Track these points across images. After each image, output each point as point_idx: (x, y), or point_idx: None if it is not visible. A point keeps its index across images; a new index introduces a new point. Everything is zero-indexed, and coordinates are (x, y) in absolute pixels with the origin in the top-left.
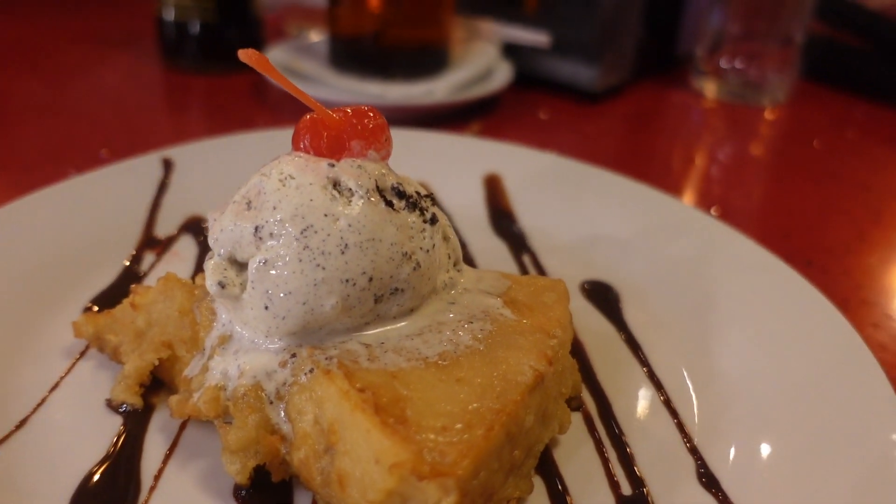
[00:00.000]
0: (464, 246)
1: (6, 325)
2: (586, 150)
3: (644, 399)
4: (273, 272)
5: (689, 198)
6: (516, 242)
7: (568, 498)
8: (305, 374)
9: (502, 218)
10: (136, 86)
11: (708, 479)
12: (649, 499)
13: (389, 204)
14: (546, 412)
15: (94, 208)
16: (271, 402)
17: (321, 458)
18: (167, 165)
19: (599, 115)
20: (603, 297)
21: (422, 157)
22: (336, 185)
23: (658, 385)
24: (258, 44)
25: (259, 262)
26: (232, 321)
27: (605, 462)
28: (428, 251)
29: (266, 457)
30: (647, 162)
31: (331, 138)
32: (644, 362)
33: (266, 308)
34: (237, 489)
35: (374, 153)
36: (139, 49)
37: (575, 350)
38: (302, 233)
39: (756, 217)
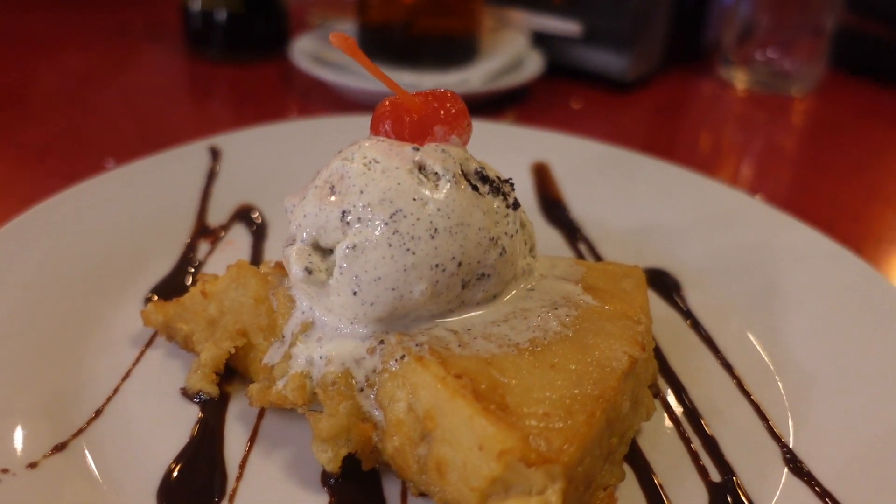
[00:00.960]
0: None
1: (70, 316)
2: (618, 138)
3: (720, 385)
4: (362, 257)
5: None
6: (570, 231)
7: (658, 484)
8: (396, 360)
9: (553, 206)
10: (164, 77)
11: (796, 466)
12: (740, 486)
13: (475, 188)
14: (637, 398)
15: (144, 198)
16: (361, 390)
17: (418, 446)
18: (214, 154)
19: (630, 104)
20: (663, 284)
21: (471, 145)
22: (422, 168)
23: (731, 372)
24: (284, 33)
25: (347, 248)
26: (313, 308)
27: (690, 449)
28: (512, 236)
29: (357, 445)
30: (679, 150)
31: (414, 123)
32: (714, 349)
33: (354, 294)
34: (325, 477)
35: (457, 138)
36: (165, 40)
37: None
38: (391, 217)
39: (797, 208)
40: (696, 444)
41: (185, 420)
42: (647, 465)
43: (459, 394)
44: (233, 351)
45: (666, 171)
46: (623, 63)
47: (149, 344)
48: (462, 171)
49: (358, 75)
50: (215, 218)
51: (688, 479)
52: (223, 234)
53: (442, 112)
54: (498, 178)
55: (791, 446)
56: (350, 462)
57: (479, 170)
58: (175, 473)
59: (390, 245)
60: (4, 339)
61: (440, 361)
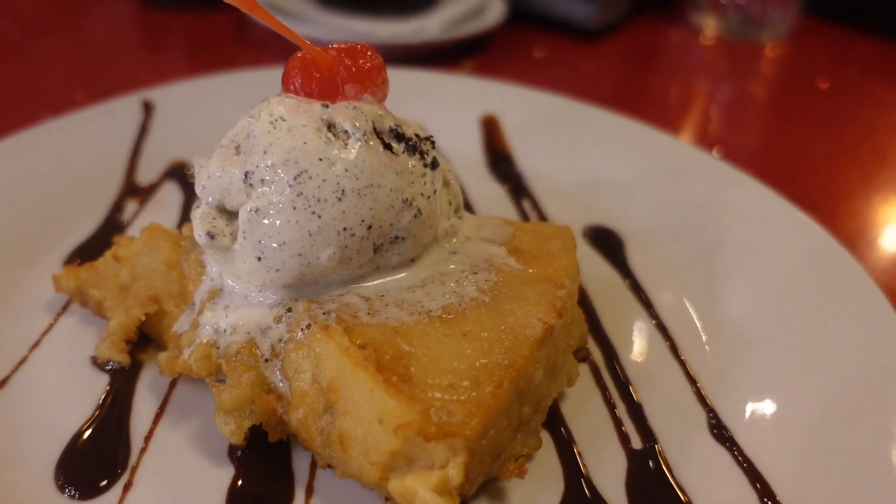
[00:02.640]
0: (463, 191)
1: None
2: (583, 89)
3: (653, 349)
4: (265, 221)
5: (688, 139)
6: (516, 186)
7: (577, 453)
8: (302, 329)
9: (500, 161)
10: (113, 26)
11: (720, 433)
12: (660, 453)
13: (388, 147)
14: (555, 365)
15: (70, 154)
16: (266, 360)
17: (321, 418)
18: (147, 108)
19: (596, 53)
20: (606, 242)
21: (415, 97)
22: (331, 127)
23: (666, 334)
24: None
25: (250, 211)
26: (222, 274)
27: (615, 415)
28: (429, 197)
29: (262, 416)
30: (646, 101)
31: (322, 80)
32: (651, 310)
33: (259, 259)
34: (232, 449)
35: (370, 96)
36: None
37: (580, 299)
38: (295, 178)
39: (759, 159)
40: (622, 410)
41: (93, 390)
42: (567, 433)
43: (361, 365)
44: (143, 318)
45: (619, 124)
46: (589, 10)
47: (64, 310)
48: (375, 128)
49: (312, 23)
50: (145, 176)
51: (608, 447)
52: (154, 193)
53: (354, 69)
54: (417, 135)
55: (717, 412)
56: (258, 434)
57: (394, 127)
58: (77, 445)
59: (294, 208)
60: None
61: (345, 330)
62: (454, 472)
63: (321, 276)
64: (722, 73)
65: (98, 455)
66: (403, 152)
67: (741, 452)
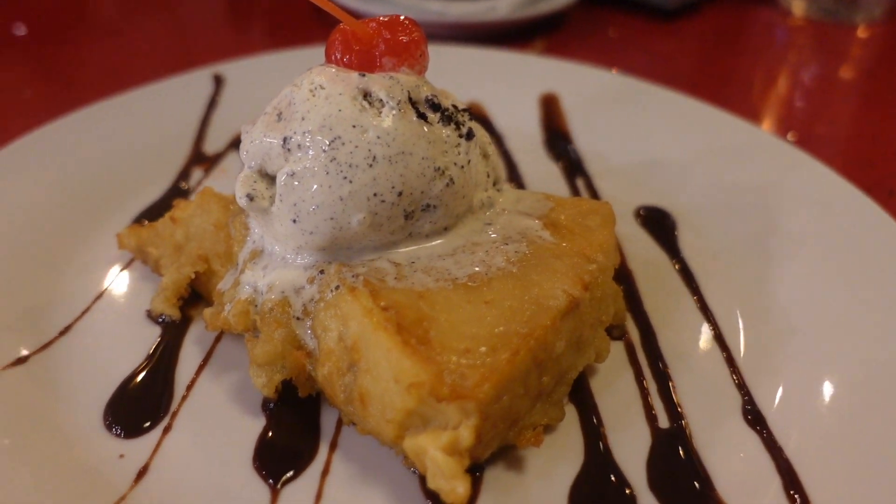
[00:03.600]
0: (514, 167)
1: (57, 235)
2: (657, 71)
3: (692, 331)
4: (300, 185)
5: (767, 123)
6: (571, 165)
7: (601, 428)
8: (332, 290)
9: (557, 139)
10: (203, 5)
11: (754, 417)
12: (688, 432)
13: (422, 116)
14: (581, 339)
15: (144, 124)
16: (298, 318)
17: (344, 376)
18: (218, 81)
19: (673, 33)
20: (658, 223)
21: (477, 75)
22: (367, 95)
23: (709, 317)
24: None
25: (287, 175)
26: (264, 236)
27: (644, 393)
28: (462, 167)
29: (292, 372)
30: (725, 84)
31: (361, 52)
32: (696, 293)
33: (294, 222)
34: (265, 402)
35: (407, 69)
36: None
37: (623, 277)
38: (329, 144)
39: (839, 144)
40: (653, 389)
41: (145, 340)
42: (593, 408)
43: (382, 326)
44: (193, 276)
45: (683, 105)
46: None
47: (127, 266)
48: (410, 98)
49: (387, 3)
50: (212, 146)
51: (634, 424)
52: (218, 162)
53: (392, 42)
54: (454, 106)
55: (753, 396)
56: (289, 389)
57: (430, 97)
58: (126, 389)
59: (327, 173)
60: None
61: (371, 293)
62: (465, 434)
63: (353, 240)
64: (809, 55)
65: (144, 399)
66: (438, 122)
67: (771, 438)
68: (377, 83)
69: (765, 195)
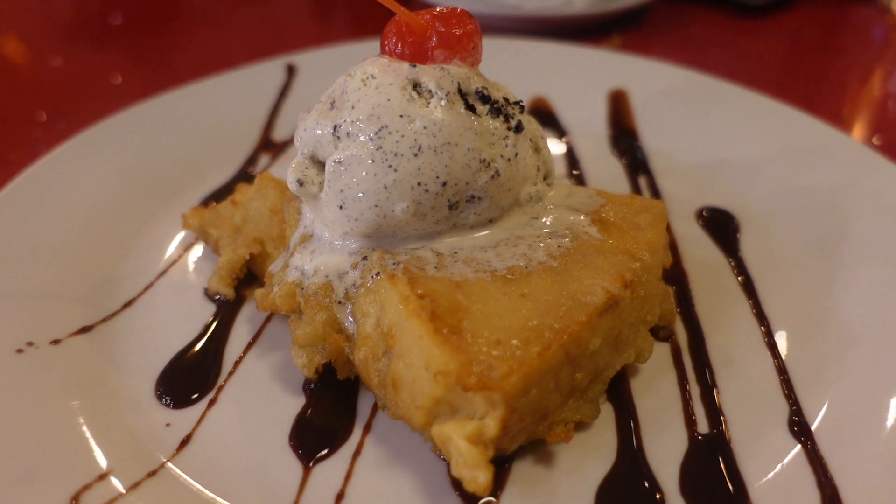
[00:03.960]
0: (577, 163)
1: (129, 214)
2: (741, 70)
3: (743, 336)
4: (347, 172)
5: (855, 126)
6: (635, 162)
7: (637, 429)
8: (373, 277)
9: (624, 136)
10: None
11: (800, 429)
12: (727, 438)
13: (471, 108)
14: (619, 338)
15: (218, 110)
16: (340, 302)
17: (379, 360)
18: (291, 71)
19: (760, 31)
20: (720, 225)
21: (545, 69)
22: (416, 86)
23: (763, 323)
24: None
25: (335, 162)
26: (314, 222)
27: (686, 397)
28: (509, 160)
29: (332, 354)
30: (813, 85)
31: (413, 45)
32: (752, 297)
33: (340, 208)
34: (307, 383)
35: (459, 61)
36: None
37: (676, 278)
38: (376, 133)
39: None
40: (695, 392)
41: (200, 317)
42: (630, 408)
43: (416, 313)
44: (247, 257)
45: (757, 103)
46: None
47: (190, 246)
48: (460, 89)
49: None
50: (280, 133)
51: (671, 427)
52: (285, 149)
53: (445, 34)
54: (505, 99)
55: (801, 407)
56: (329, 372)
57: (480, 89)
58: (178, 362)
59: (373, 161)
60: (62, 229)
61: (410, 280)
62: (490, 424)
63: (397, 228)
64: None
65: (193, 373)
66: (487, 114)
67: (815, 451)
68: (427, 74)
69: (836, 200)
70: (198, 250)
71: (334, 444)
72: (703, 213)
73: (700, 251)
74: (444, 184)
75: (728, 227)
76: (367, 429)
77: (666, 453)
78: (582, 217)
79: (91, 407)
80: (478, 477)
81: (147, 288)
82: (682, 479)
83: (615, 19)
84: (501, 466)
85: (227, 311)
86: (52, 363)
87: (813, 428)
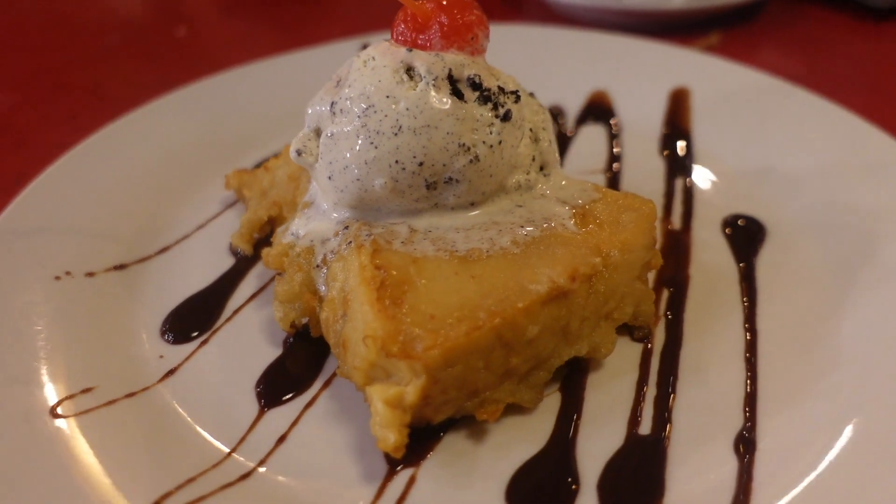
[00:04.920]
0: (618, 159)
1: (187, 175)
2: (856, 77)
3: (724, 348)
4: (336, 146)
5: None
6: (678, 164)
7: (577, 421)
8: (346, 245)
9: (675, 136)
10: None
11: (745, 447)
12: (665, 444)
13: (457, 93)
14: (568, 330)
15: (287, 86)
16: (318, 266)
17: (337, 322)
18: None
19: (882, 35)
20: (746, 234)
21: (609, 62)
22: (410, 69)
23: (750, 337)
24: None
25: (327, 135)
26: (316, 191)
27: (639, 398)
28: (492, 146)
29: (305, 312)
30: None
31: (415, 33)
32: (749, 311)
33: (329, 179)
34: (287, 337)
35: (456, 51)
36: None
37: (675, 281)
38: (364, 111)
39: None
40: (650, 395)
41: (219, 268)
42: (578, 401)
43: (367, 281)
44: (265, 218)
45: (826, 112)
46: None
47: (232, 205)
48: (451, 75)
49: None
50: None
51: (612, 424)
52: None
53: (445, 24)
54: (500, 88)
55: (756, 426)
56: (308, 329)
57: (472, 76)
58: (186, 304)
59: (358, 137)
60: (125, 181)
61: (374, 251)
62: (410, 392)
63: (379, 202)
64: None
65: (197, 315)
66: (475, 101)
67: (748, 470)
68: (421, 59)
69: (875, 222)
70: (237, 210)
71: (292, 393)
72: (733, 219)
73: (713, 258)
74: (421, 164)
75: (753, 238)
76: (326, 384)
77: (597, 448)
78: (565, 209)
79: (100, 332)
80: (389, 437)
81: (184, 238)
82: (604, 475)
83: (722, 16)
84: (434, 434)
85: (242, 266)
86: (81, 291)
87: (757, 447)
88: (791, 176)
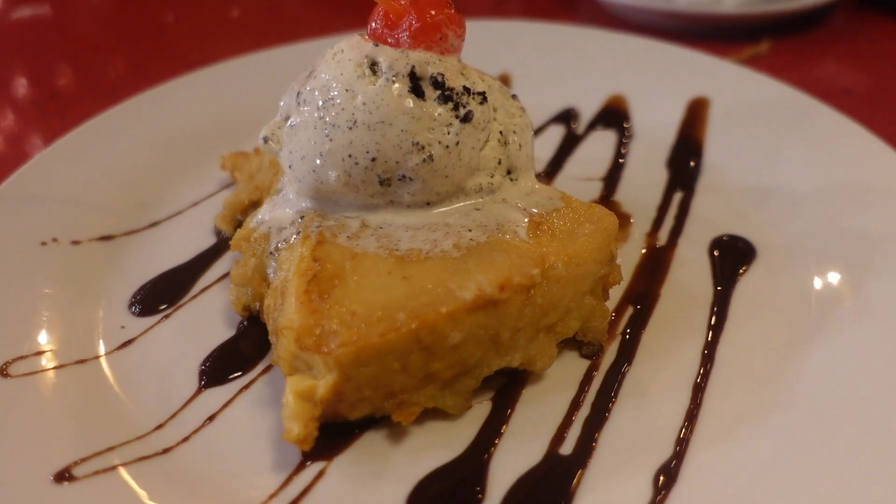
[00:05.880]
0: (619, 168)
1: (189, 155)
2: None
3: (673, 373)
4: (295, 136)
5: None
6: (680, 177)
7: (499, 433)
8: (296, 235)
9: (686, 148)
10: None
11: (665, 479)
12: (583, 466)
13: (417, 91)
14: (498, 339)
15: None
16: (270, 254)
17: (275, 310)
18: None
19: None
20: (732, 255)
21: (631, 65)
22: (374, 64)
23: (705, 365)
24: None
25: (290, 125)
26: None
27: (569, 416)
28: (448, 147)
29: (256, 297)
30: None
31: (385, 29)
32: (713, 337)
33: (290, 168)
34: (241, 322)
35: (423, 49)
36: None
37: (641, 299)
38: (323, 103)
39: None
40: (582, 414)
41: (200, 246)
42: (506, 413)
43: (301, 273)
44: (246, 202)
45: (852, 134)
46: None
47: (228, 186)
48: (413, 73)
49: None
50: None
51: (535, 440)
52: None
53: (413, 24)
54: (465, 88)
55: (682, 460)
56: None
57: (435, 75)
58: (159, 279)
59: (315, 129)
60: (128, 157)
61: (317, 243)
62: (321, 386)
63: (334, 195)
64: None
65: (167, 290)
66: (435, 100)
67: (655, 498)
68: (385, 54)
69: (874, 254)
70: (233, 190)
71: (233, 375)
72: (723, 238)
73: (690, 279)
74: (374, 160)
75: (738, 261)
76: (266, 370)
77: (513, 462)
78: (521, 216)
79: (70, 298)
80: (293, 428)
81: (176, 214)
82: (512, 490)
83: (778, 23)
84: (351, 431)
85: (221, 246)
86: (62, 258)
87: (677, 482)
88: (794, 197)
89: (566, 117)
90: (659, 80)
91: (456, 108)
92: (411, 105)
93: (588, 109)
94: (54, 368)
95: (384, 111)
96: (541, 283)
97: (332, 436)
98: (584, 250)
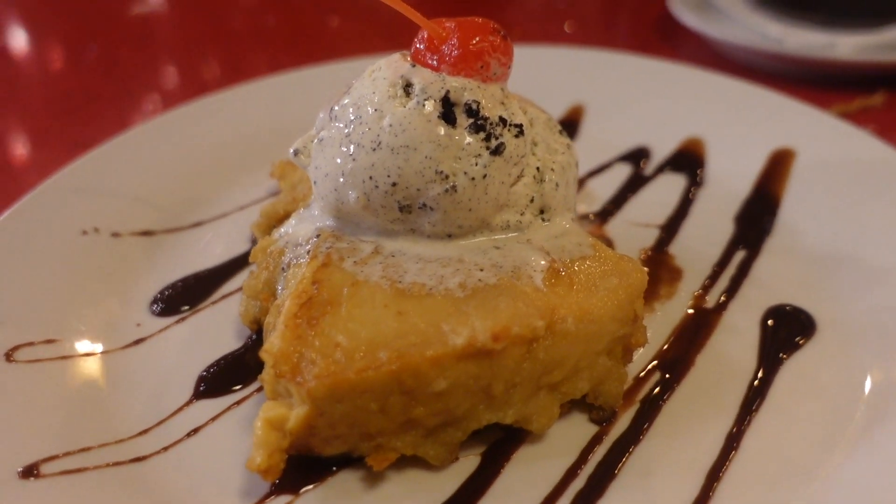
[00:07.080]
0: (680, 218)
1: (244, 160)
2: None
3: (689, 458)
4: (322, 151)
5: None
6: (747, 234)
7: (480, 494)
8: (306, 254)
9: (760, 202)
10: None
11: None
12: None
13: (448, 117)
14: (490, 392)
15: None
16: (283, 269)
17: (273, 328)
18: None
19: None
20: (788, 330)
21: (717, 108)
22: (408, 85)
23: (726, 453)
24: None
25: (318, 140)
26: None
27: (561, 487)
28: (473, 179)
29: (264, 311)
30: None
31: (428, 53)
32: (740, 422)
33: (315, 183)
34: (251, 335)
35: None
36: None
37: (670, 366)
38: (350, 121)
39: None
40: (576, 486)
41: (233, 252)
42: (494, 473)
43: (297, 295)
44: (282, 212)
45: None
46: None
47: (276, 193)
48: (447, 97)
49: (732, 21)
50: None
51: None
52: None
53: (456, 51)
54: (502, 118)
55: None
56: None
57: (470, 102)
58: (186, 281)
59: (341, 146)
60: (183, 155)
61: (322, 266)
62: (292, 416)
63: (355, 216)
64: None
65: (190, 292)
66: (466, 128)
67: None
68: (420, 76)
69: None
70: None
71: (226, 391)
72: (780, 310)
73: (733, 350)
74: (395, 184)
75: (793, 336)
76: (260, 388)
77: None
78: (541, 262)
79: (96, 290)
80: (256, 457)
81: (221, 216)
82: None
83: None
84: (327, 468)
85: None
86: (98, 248)
87: None
88: (871, 270)
89: (636, 156)
90: (743, 126)
91: (488, 138)
92: (440, 132)
93: (662, 150)
94: (58, 359)
95: (410, 135)
96: (545, 336)
97: (305, 469)
98: (602, 306)
